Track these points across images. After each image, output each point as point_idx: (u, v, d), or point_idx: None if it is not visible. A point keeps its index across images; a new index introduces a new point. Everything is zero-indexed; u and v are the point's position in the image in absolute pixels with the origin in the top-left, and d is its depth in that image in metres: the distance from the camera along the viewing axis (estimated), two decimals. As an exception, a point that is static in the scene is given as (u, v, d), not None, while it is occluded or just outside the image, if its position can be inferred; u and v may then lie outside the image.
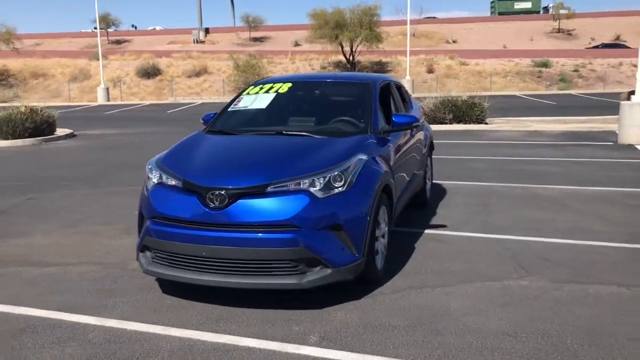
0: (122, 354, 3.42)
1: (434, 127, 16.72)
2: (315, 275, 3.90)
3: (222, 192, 3.91)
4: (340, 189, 4.03)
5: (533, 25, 56.31)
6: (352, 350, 3.42)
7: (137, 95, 40.73)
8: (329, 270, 3.92)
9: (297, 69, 44.59)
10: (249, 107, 5.44)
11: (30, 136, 15.59)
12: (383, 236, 4.65)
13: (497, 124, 17.04)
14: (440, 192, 7.86)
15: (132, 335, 3.67)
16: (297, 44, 52.04)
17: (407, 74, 36.53)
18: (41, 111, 16.30)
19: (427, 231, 5.95)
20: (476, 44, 50.97)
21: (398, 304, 4.10)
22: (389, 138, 5.11)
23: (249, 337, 3.61)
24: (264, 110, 5.39)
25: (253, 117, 5.41)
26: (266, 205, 3.88)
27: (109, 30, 63.77)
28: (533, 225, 6.12)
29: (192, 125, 14.08)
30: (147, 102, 37.13)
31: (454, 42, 53.51)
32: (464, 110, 16.94)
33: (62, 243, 5.75)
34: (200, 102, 35.98)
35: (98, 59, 47.74)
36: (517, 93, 35.27)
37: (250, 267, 3.88)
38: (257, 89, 5.64)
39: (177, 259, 4.04)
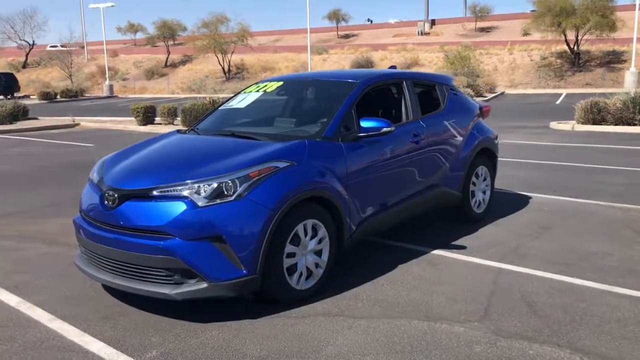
0: (-11, 338, 3.69)
1: (617, 129, 14.40)
2: (190, 287, 3.70)
3: (114, 193, 3.94)
4: (229, 197, 3.76)
5: None
6: (166, 373, 3.21)
7: (348, 87, 42.22)
8: (204, 284, 3.70)
9: (514, 60, 41.89)
10: (234, 106, 5.35)
11: (208, 125, 17.26)
12: (319, 253, 4.22)
13: None
14: (517, 206, 6.80)
15: (21, 321, 3.92)
16: (526, 33, 48.63)
17: (632, 66, 31.80)
18: (220, 101, 17.95)
19: (434, 251, 5.21)
20: None
21: (284, 331, 3.70)
22: (355, 144, 4.56)
23: (101, 341, 3.59)
24: (243, 110, 5.26)
25: (232, 117, 5.30)
26: (146, 210, 3.80)
27: (339, 24, 67.38)
28: (572, 260, 4.96)
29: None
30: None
31: None
32: (661, 110, 14.22)
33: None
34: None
35: (320, 54, 50.97)
36: None
37: (131, 271, 3.85)
38: (254, 87, 5.50)
39: (87, 254, 4.20)
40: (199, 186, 3.78)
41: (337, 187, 4.32)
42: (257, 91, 5.35)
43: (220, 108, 5.47)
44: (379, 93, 5.30)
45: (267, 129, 4.91)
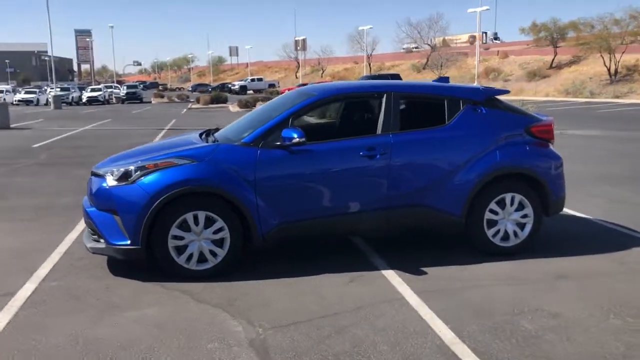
0: None
1: None
2: (98, 245, 4.97)
3: (91, 172, 5.42)
4: (127, 181, 4.81)
5: None
6: None
7: None
8: (103, 245, 4.88)
9: None
10: (252, 111, 6.12)
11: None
12: (218, 243, 4.85)
13: None
14: (593, 248, 5.50)
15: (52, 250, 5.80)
16: None
17: None
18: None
19: (384, 271, 5.04)
20: None
21: (136, 294, 4.58)
22: (277, 152, 4.89)
23: (48, 269, 5.15)
24: (252, 115, 5.99)
25: (245, 120, 6.00)
26: (92, 184, 5.16)
27: None
28: (498, 316, 4.19)
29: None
30: None
31: None
32: None
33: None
34: None
35: None
36: None
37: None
38: (287, 93, 6.15)
39: None
40: (113, 171, 4.95)
41: (240, 187, 4.82)
42: (279, 98, 6.06)
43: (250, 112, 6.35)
44: (344, 105, 5.28)
45: (229, 133, 5.56)
